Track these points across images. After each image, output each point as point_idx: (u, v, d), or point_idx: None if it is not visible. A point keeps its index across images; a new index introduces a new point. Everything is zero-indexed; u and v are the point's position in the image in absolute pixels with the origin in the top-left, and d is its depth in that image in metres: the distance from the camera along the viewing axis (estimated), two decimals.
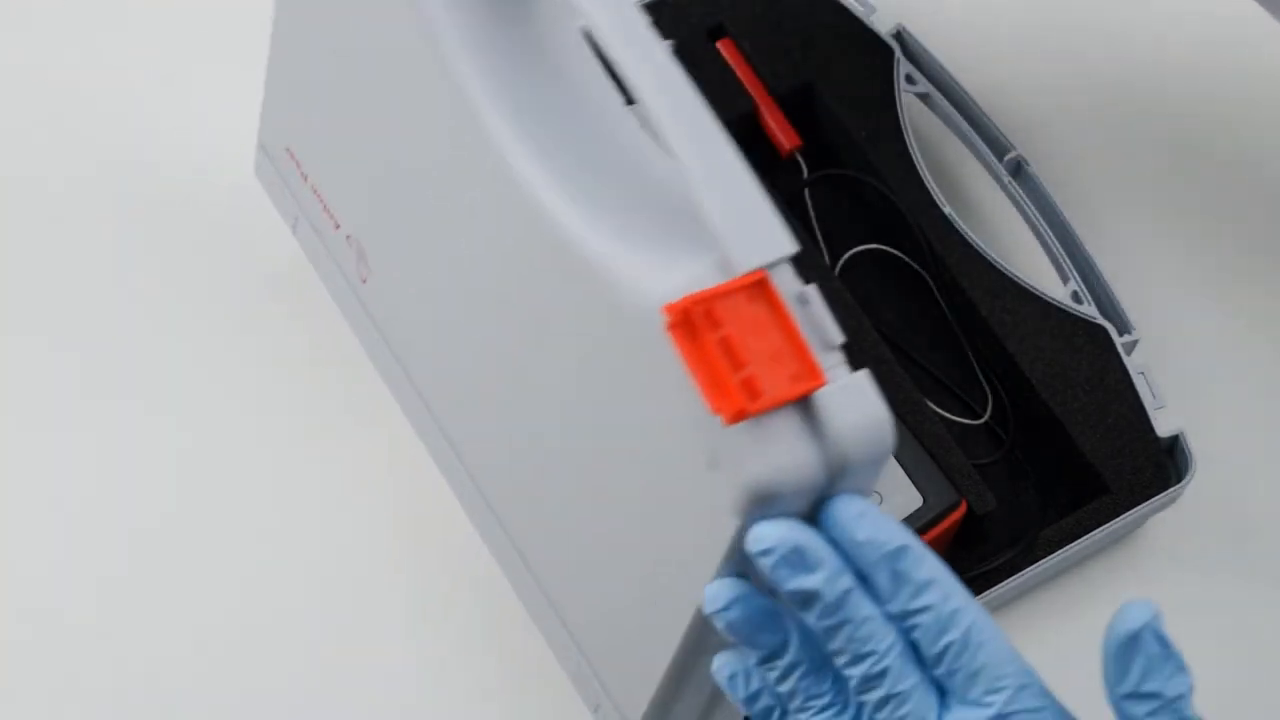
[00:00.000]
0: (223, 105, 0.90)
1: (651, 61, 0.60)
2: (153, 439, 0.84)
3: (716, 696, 0.69)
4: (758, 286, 0.58)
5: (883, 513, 0.61)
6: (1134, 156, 0.91)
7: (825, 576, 0.60)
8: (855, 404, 0.59)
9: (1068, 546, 0.80)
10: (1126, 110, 0.92)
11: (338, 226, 0.75)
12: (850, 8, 0.89)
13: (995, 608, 0.79)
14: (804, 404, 0.59)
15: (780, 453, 0.59)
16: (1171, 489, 0.82)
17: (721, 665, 0.64)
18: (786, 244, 0.59)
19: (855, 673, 0.61)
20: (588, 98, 0.66)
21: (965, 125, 0.88)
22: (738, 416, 0.57)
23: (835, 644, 0.61)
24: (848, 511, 0.60)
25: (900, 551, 0.60)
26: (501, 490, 0.72)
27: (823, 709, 0.63)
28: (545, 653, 0.76)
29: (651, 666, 0.68)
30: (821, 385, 0.59)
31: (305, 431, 0.84)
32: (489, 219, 0.66)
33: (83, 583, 0.82)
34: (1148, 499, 0.81)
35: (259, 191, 0.83)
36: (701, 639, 0.66)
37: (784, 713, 0.64)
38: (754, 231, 0.59)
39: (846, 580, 0.60)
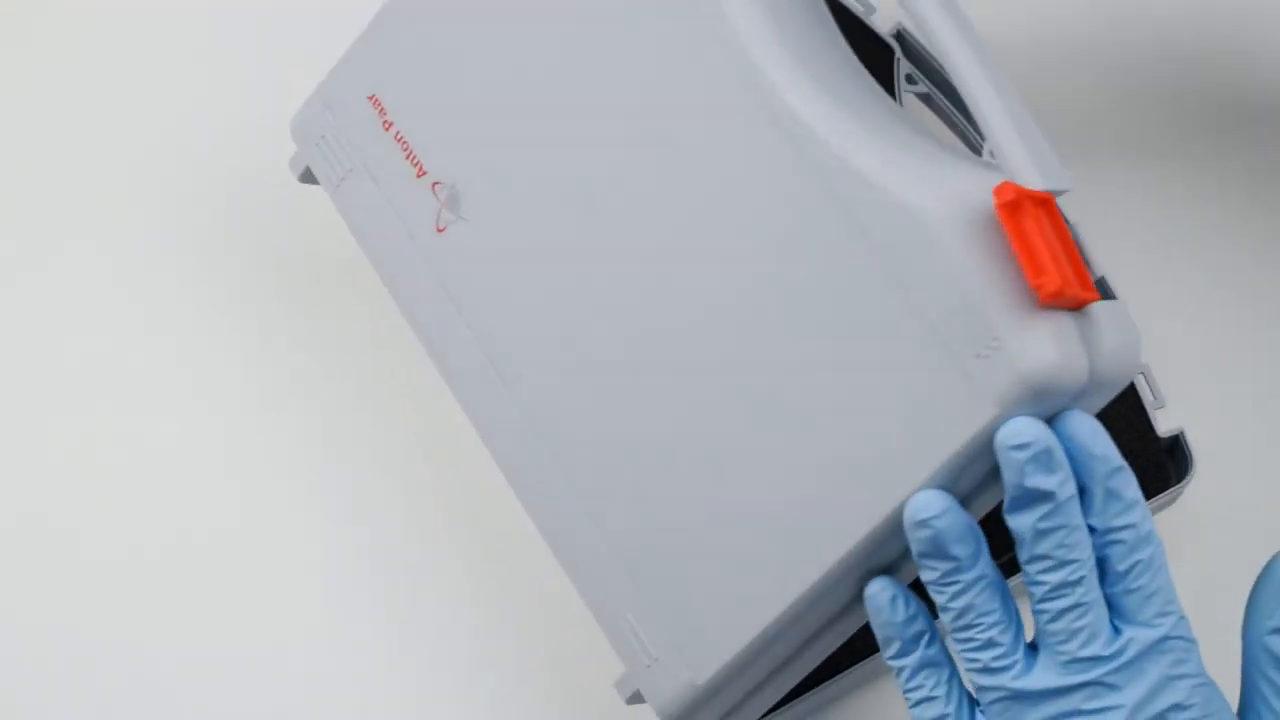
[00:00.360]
0: (230, 92, 0.91)
1: (955, 20, 0.68)
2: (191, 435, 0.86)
3: (787, 664, 0.70)
4: (1047, 204, 0.63)
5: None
6: (1134, 156, 0.91)
7: (1060, 480, 0.64)
8: (1122, 326, 0.66)
9: None
10: (1126, 110, 0.92)
11: (422, 173, 0.76)
12: (850, 7, 0.89)
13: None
14: (1084, 314, 0.64)
15: (1063, 352, 0.63)
16: (1171, 489, 0.82)
17: (882, 588, 0.67)
18: (1067, 180, 0.65)
19: (1051, 579, 0.65)
20: (841, 51, 0.72)
21: (966, 125, 0.88)
22: (1055, 294, 0.62)
23: (1042, 548, 0.64)
24: (1084, 426, 0.65)
25: (1119, 470, 0.65)
26: (579, 436, 0.72)
27: (993, 625, 0.65)
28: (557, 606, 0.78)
29: (760, 611, 0.68)
30: (1099, 299, 0.64)
31: (337, 407, 0.86)
32: (722, 147, 0.69)
33: (96, 600, 0.83)
34: (1148, 499, 0.81)
35: (282, 173, 0.84)
36: (853, 566, 0.67)
37: (930, 639, 0.67)
38: (1041, 163, 0.65)
39: (1073, 487, 0.64)
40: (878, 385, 0.66)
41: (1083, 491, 0.65)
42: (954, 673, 0.67)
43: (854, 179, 0.66)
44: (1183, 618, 0.66)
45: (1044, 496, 0.64)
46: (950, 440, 0.64)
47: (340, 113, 0.78)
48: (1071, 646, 0.65)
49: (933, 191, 0.65)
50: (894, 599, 0.67)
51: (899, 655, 0.67)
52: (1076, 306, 0.64)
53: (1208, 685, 0.66)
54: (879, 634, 0.67)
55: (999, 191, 0.63)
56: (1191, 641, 0.66)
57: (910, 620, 0.67)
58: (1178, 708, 0.65)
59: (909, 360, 0.65)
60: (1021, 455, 0.63)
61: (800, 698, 0.79)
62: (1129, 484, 0.65)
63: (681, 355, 0.70)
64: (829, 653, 0.72)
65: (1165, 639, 0.65)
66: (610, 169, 0.72)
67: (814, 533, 0.67)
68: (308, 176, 0.81)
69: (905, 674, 0.67)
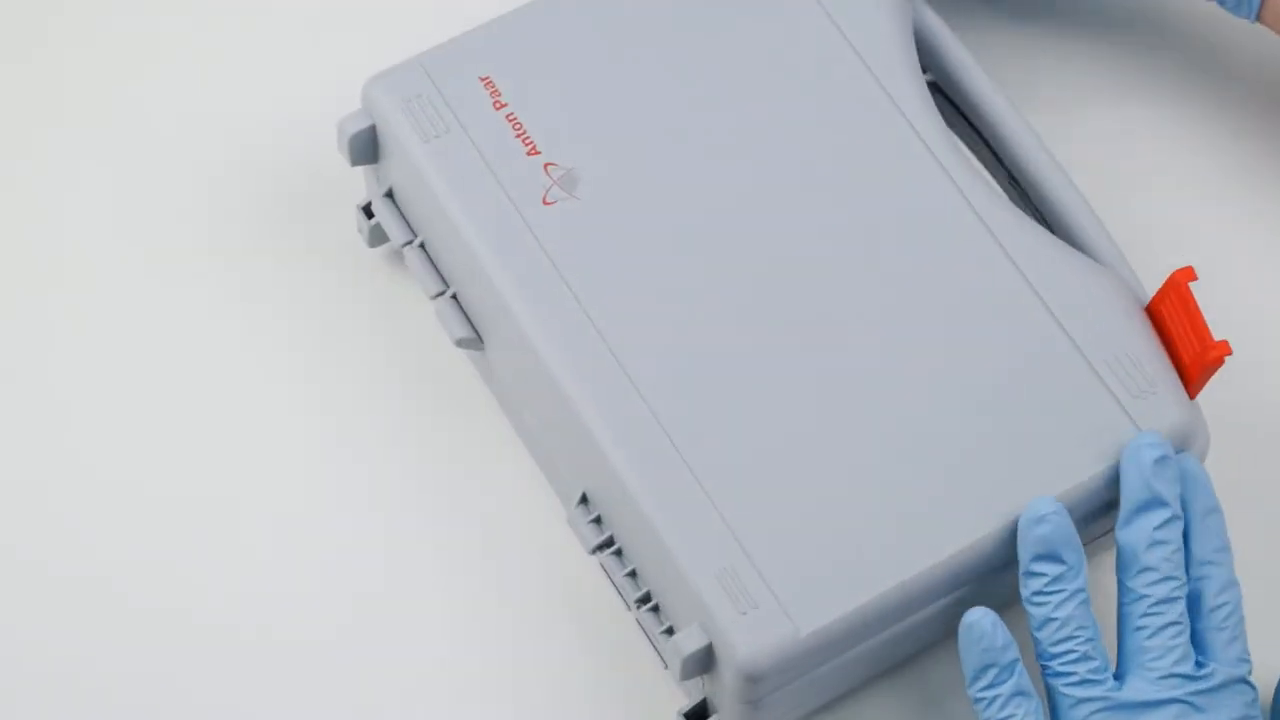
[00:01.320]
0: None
1: (1046, 155, 0.83)
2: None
3: (867, 635, 0.73)
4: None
5: None
6: (1133, 157, 0.92)
7: (1175, 494, 0.70)
8: (1204, 427, 0.77)
9: None
10: (1127, 110, 0.93)
11: (534, 153, 0.80)
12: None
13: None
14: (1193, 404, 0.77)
15: (1194, 412, 0.77)
16: None
17: (984, 613, 0.70)
18: None
19: (1156, 592, 0.70)
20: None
21: (965, 125, 0.89)
22: (1220, 359, 0.76)
23: (1151, 559, 0.70)
24: (1193, 461, 0.72)
25: (1217, 510, 0.72)
26: (695, 402, 0.76)
27: (1088, 639, 0.70)
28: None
29: (888, 573, 0.72)
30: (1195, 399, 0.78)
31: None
32: (888, 194, 0.80)
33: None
34: None
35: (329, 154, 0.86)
36: (982, 554, 0.72)
37: (1020, 667, 0.70)
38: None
39: (1181, 511, 0.71)
40: (1040, 411, 0.75)
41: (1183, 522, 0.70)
42: (1038, 702, 0.70)
43: (1035, 256, 0.79)
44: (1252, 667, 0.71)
45: (1162, 504, 0.69)
46: (1099, 459, 0.73)
47: (444, 85, 0.81)
48: (1165, 663, 0.69)
49: (1093, 269, 0.79)
50: (995, 624, 0.70)
51: (993, 684, 0.70)
52: (1199, 389, 0.77)
53: None
54: (975, 663, 0.70)
55: (1182, 273, 0.77)
56: (1257, 693, 0.70)
57: (1007, 646, 0.70)
58: None
59: (1070, 394, 0.76)
60: (1151, 454, 0.70)
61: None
62: (1223, 528, 0.72)
63: (834, 352, 0.77)
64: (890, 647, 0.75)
65: (1243, 680, 0.70)
66: (754, 182, 0.79)
67: (954, 515, 0.73)
68: (359, 140, 0.82)
69: (998, 703, 0.70)
